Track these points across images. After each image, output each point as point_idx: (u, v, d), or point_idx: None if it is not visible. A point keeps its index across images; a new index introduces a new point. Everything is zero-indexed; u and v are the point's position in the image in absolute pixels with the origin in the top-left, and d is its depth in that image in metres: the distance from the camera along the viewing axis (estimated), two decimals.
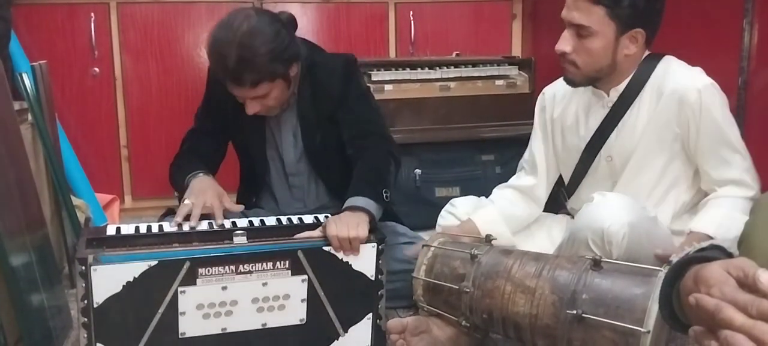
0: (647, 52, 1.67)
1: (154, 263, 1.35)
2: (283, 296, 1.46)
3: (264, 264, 1.42)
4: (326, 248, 1.48)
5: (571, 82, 1.68)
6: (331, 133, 1.90)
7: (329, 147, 1.92)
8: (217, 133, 1.98)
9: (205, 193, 1.69)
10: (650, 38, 1.63)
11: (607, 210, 1.51)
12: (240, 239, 1.51)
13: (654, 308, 1.25)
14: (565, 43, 1.62)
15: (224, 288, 1.40)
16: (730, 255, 0.92)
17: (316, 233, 1.55)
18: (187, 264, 1.37)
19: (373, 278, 1.52)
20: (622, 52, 1.60)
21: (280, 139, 1.95)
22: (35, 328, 1.55)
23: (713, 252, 0.90)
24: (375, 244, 1.51)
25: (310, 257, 1.46)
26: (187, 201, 1.66)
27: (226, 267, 1.40)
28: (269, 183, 2.00)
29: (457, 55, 3.03)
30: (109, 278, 1.33)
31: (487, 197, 1.91)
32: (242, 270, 1.41)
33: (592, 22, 1.56)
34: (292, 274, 1.45)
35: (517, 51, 3.24)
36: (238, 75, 1.68)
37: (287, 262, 1.44)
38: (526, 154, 1.90)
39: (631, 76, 1.65)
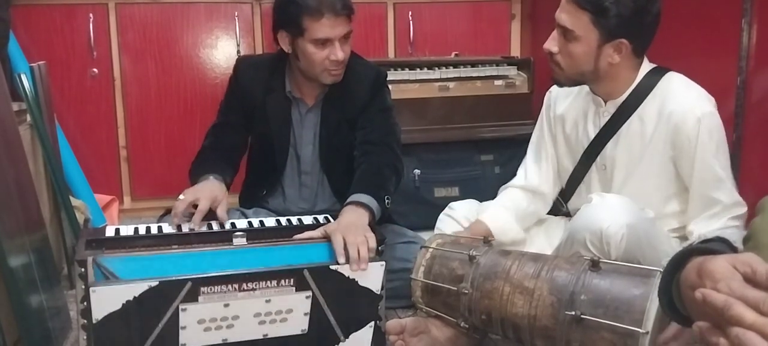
0: (651, 66, 1.66)
1: (154, 283, 1.32)
2: (286, 310, 1.43)
3: (268, 282, 1.39)
4: (333, 267, 1.45)
5: (557, 82, 1.70)
6: (348, 137, 1.95)
7: (344, 150, 1.96)
8: (241, 125, 2.01)
9: (200, 192, 1.69)
10: (638, 50, 1.62)
11: (606, 211, 1.51)
12: (239, 241, 1.50)
13: (653, 309, 1.25)
14: (552, 43, 1.63)
15: (226, 305, 1.38)
16: (734, 249, 0.90)
17: (317, 233, 1.55)
18: (188, 284, 1.34)
19: (378, 294, 1.50)
20: (606, 60, 1.59)
21: (301, 135, 2.00)
22: (34, 329, 1.55)
23: (718, 245, 0.88)
24: (383, 263, 1.49)
25: (316, 275, 1.42)
26: (181, 196, 1.67)
27: (229, 285, 1.36)
28: (281, 179, 2.03)
29: (456, 55, 3.03)
30: (109, 298, 1.31)
31: (486, 197, 1.91)
32: (246, 288, 1.37)
33: (576, 26, 1.56)
34: (297, 290, 1.42)
35: (515, 51, 3.24)
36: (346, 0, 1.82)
37: (292, 280, 1.41)
38: (530, 152, 1.89)
39: (630, 90, 1.64)
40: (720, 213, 1.56)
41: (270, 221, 1.71)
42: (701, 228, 1.57)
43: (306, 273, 1.41)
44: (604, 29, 1.55)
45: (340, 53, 1.82)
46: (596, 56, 1.59)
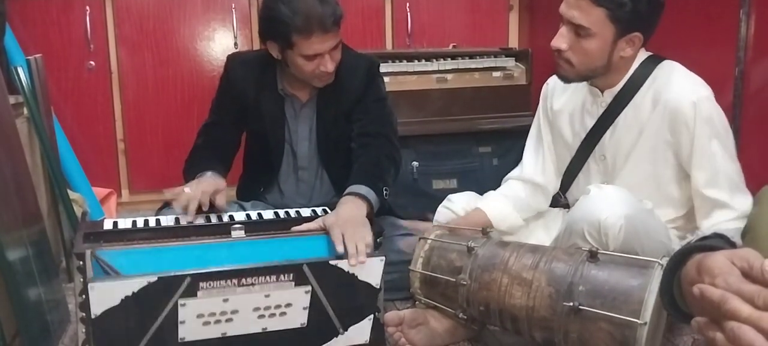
0: (648, 54, 1.66)
1: (153, 279, 1.31)
2: (285, 304, 1.42)
3: (267, 277, 1.38)
4: (333, 262, 1.44)
5: (564, 79, 1.67)
6: (345, 131, 1.95)
7: (341, 144, 1.96)
8: (234, 123, 2.00)
9: (200, 185, 1.71)
10: (647, 41, 1.61)
11: (604, 202, 1.51)
12: (238, 234, 1.50)
13: (650, 300, 1.25)
14: (562, 41, 1.59)
15: (225, 300, 1.37)
16: (733, 245, 0.91)
17: (315, 225, 1.55)
18: (187, 280, 1.33)
19: (377, 287, 1.49)
20: (619, 53, 1.58)
21: (296, 131, 1.99)
22: (33, 322, 1.55)
23: (716, 241, 0.89)
24: (383, 258, 1.48)
25: (315, 270, 1.42)
26: (186, 189, 1.68)
27: (228, 281, 1.35)
28: (278, 176, 2.03)
29: (454, 46, 3.02)
30: (108, 293, 1.30)
31: (484, 189, 1.90)
32: (245, 283, 1.36)
33: (591, 23, 1.54)
34: (296, 285, 1.41)
35: (514, 42, 3.23)
36: (335, 14, 1.78)
37: (291, 275, 1.40)
38: (529, 144, 1.89)
39: (627, 78, 1.64)
40: (724, 204, 1.54)
41: (268, 214, 1.71)
42: (708, 222, 1.55)
43: (305, 268, 1.41)
44: (621, 23, 1.54)
45: (330, 65, 1.81)
46: (610, 51, 1.57)
